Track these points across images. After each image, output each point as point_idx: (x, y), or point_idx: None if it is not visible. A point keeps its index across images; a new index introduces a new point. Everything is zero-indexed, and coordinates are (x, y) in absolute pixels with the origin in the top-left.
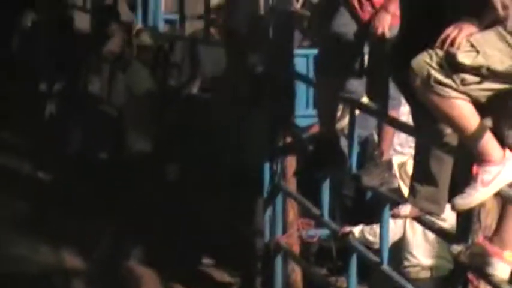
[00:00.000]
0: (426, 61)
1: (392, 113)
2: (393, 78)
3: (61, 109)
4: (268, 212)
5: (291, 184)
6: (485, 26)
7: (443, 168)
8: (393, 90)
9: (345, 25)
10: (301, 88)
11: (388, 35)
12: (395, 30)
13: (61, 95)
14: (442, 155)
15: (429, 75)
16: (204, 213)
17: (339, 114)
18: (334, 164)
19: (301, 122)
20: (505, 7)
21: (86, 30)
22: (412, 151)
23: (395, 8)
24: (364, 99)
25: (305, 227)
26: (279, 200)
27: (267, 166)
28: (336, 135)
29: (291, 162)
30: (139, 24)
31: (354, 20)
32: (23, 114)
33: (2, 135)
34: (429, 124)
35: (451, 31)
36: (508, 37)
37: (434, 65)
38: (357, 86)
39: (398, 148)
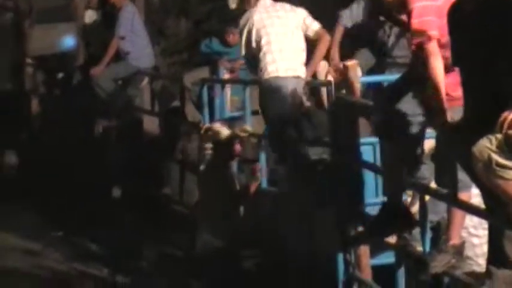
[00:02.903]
0: (486, 145)
1: (462, 195)
2: (460, 163)
3: (135, 213)
4: None
5: (366, 274)
6: None
7: None
8: (460, 172)
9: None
10: (369, 176)
11: (450, 118)
12: (459, 112)
13: (134, 199)
14: None
15: (490, 159)
16: None
17: (409, 199)
18: (402, 227)
19: (371, 211)
20: None
21: (155, 133)
22: (486, 232)
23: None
24: (433, 184)
25: None
26: None
27: (340, 256)
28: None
29: (364, 252)
30: (207, 124)
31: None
32: (100, 224)
33: (76, 241)
34: (499, 205)
35: (507, 114)
36: None
37: (494, 148)
38: (426, 172)
39: (472, 230)
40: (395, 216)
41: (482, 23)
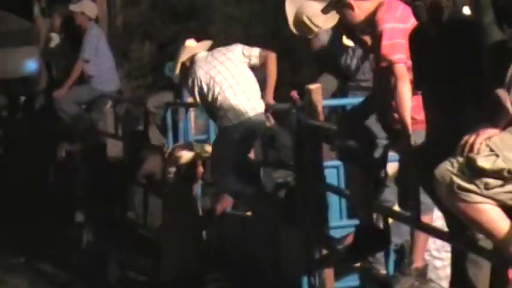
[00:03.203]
0: (448, 169)
1: (424, 218)
2: (422, 186)
3: (98, 237)
4: None
5: None
6: (502, 128)
7: (481, 272)
8: (423, 195)
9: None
10: (333, 199)
11: (413, 142)
12: (422, 136)
13: (98, 223)
14: (478, 260)
15: (452, 182)
16: None
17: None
18: (378, 247)
19: (336, 233)
20: None
21: (118, 157)
22: (449, 255)
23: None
24: (396, 207)
25: None
26: None
27: (305, 280)
28: (372, 219)
29: (329, 275)
30: (170, 147)
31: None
32: (60, 245)
33: (39, 266)
34: (462, 228)
35: (468, 137)
36: None
37: (456, 171)
38: (389, 195)
39: (435, 253)
40: (371, 237)
41: (445, 46)
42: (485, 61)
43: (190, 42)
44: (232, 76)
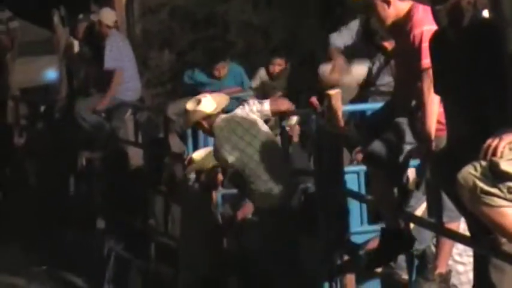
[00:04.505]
0: (471, 172)
1: (450, 225)
2: (445, 191)
3: (120, 245)
4: None
5: None
6: None
7: (505, 278)
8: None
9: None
10: (354, 205)
11: (435, 147)
12: (443, 141)
13: (119, 231)
14: (502, 264)
15: (475, 186)
16: None
17: None
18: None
19: (357, 239)
20: None
21: (139, 165)
22: (471, 260)
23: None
24: (418, 212)
25: None
26: None
27: (326, 286)
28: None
29: (350, 281)
30: (190, 154)
31: None
32: (82, 253)
33: (61, 274)
34: (484, 233)
35: (491, 141)
36: None
37: (479, 175)
38: (411, 200)
39: (457, 258)
40: (396, 240)
41: (466, 50)
42: (506, 65)
43: (197, 105)
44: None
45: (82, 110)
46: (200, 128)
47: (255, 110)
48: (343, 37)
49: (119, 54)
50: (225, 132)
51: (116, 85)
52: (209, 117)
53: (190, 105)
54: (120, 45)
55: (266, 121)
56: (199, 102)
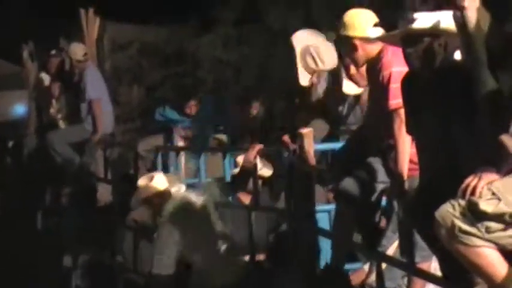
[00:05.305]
0: (449, 211)
1: (422, 264)
2: (418, 230)
3: (87, 281)
4: None
5: None
6: (505, 172)
7: None
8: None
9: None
10: (324, 243)
11: (408, 187)
12: (416, 181)
13: (87, 267)
14: None
15: (453, 225)
16: None
17: (367, 267)
18: None
19: None
20: None
21: (108, 201)
22: None
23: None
24: (390, 251)
25: None
26: None
27: None
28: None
29: None
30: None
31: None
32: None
33: None
34: (459, 273)
35: (471, 180)
36: None
37: (457, 214)
38: (382, 239)
39: None
40: (335, 279)
41: (438, 92)
42: (479, 107)
43: (149, 181)
44: None
45: (55, 142)
46: (149, 205)
47: None
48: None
49: (98, 86)
50: (173, 217)
51: (101, 115)
52: (161, 194)
53: (142, 181)
54: (98, 77)
55: None
56: (151, 178)
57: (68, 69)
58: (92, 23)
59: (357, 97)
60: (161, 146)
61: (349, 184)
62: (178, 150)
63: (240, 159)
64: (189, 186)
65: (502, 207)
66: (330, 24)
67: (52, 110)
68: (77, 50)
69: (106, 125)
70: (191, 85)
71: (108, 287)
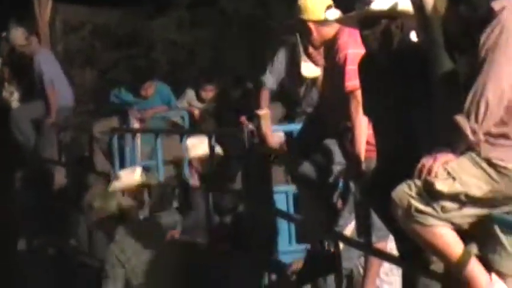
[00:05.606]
0: (406, 191)
1: (379, 244)
2: (374, 210)
3: (40, 264)
4: None
5: None
6: (460, 153)
7: None
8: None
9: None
10: (282, 224)
11: (365, 168)
12: (373, 163)
13: (40, 251)
14: (429, 283)
15: (410, 205)
16: None
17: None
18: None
19: (285, 259)
20: (474, 133)
21: (63, 184)
22: (398, 279)
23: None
24: (347, 231)
25: None
26: None
27: None
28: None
29: None
30: (117, 173)
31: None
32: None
33: None
34: (415, 252)
35: (426, 160)
36: (483, 163)
37: (413, 194)
38: (339, 219)
39: (383, 277)
40: (321, 262)
41: (395, 74)
42: (436, 88)
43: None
44: None
45: (20, 120)
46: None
47: None
48: (274, 73)
49: (51, 69)
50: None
51: (54, 98)
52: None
53: (97, 202)
54: (51, 60)
55: None
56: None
57: (18, 54)
58: (44, 5)
59: (314, 79)
60: (117, 128)
61: (306, 168)
62: (134, 132)
63: (189, 143)
64: (145, 169)
65: (457, 187)
66: (282, 7)
67: (5, 93)
68: (17, 35)
69: (67, 102)
70: (145, 67)
71: (61, 270)
